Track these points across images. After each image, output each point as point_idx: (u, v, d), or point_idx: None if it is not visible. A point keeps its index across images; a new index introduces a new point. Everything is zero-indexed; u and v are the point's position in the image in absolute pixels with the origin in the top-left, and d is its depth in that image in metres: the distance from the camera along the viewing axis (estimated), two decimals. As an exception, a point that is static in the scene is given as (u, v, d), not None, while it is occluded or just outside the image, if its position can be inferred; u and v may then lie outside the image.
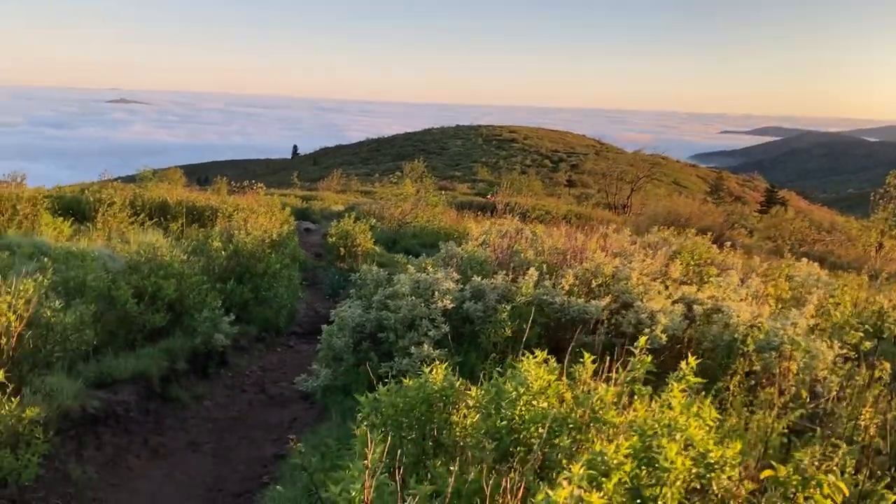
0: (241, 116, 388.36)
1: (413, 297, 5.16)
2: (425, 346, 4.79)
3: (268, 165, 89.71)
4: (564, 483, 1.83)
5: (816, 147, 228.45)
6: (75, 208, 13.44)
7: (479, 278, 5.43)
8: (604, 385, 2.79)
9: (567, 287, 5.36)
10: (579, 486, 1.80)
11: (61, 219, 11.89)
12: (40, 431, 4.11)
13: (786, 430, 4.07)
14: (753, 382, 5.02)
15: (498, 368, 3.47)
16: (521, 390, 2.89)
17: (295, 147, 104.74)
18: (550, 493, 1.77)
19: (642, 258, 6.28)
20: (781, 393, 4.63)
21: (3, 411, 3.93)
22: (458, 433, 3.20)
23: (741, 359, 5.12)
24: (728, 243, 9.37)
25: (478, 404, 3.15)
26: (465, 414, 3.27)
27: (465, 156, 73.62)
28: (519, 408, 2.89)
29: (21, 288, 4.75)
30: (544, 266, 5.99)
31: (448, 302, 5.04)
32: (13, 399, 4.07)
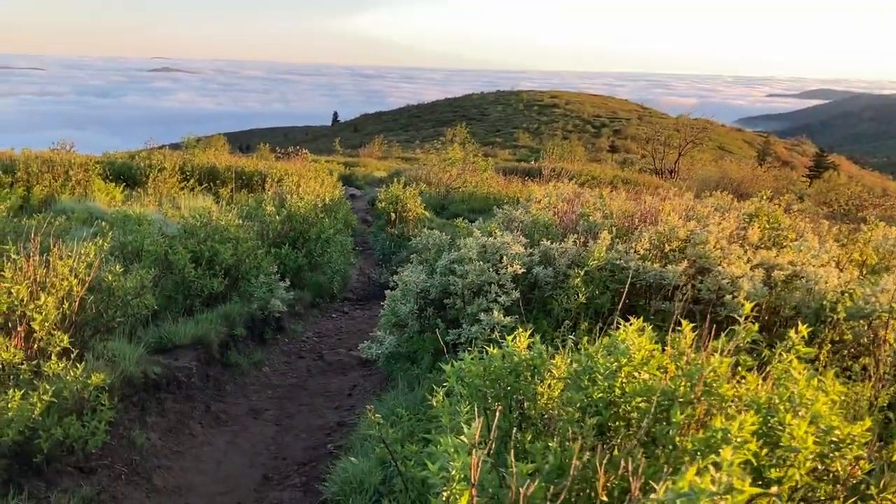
0: (282, 84, 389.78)
1: (481, 262, 4.94)
2: (495, 313, 4.57)
3: (307, 132, 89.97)
4: (712, 469, 1.60)
5: (866, 110, 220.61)
6: (126, 174, 13.50)
7: (549, 242, 5.17)
8: (717, 355, 2.53)
9: (641, 251, 5.08)
10: (728, 474, 1.58)
11: (113, 184, 11.93)
12: (106, 398, 4.02)
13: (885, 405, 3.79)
14: (845, 353, 4.73)
15: (585, 337, 3.24)
16: (624, 360, 2.65)
17: (335, 114, 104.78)
18: (697, 479, 1.55)
19: (718, 221, 5.94)
20: (878, 364, 4.33)
21: (69, 377, 3.84)
22: (544, 406, 2.99)
23: (830, 328, 4.81)
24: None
25: (568, 375, 2.93)
26: (550, 385, 3.06)
27: (506, 122, 72.82)
28: (619, 380, 2.66)
29: (81, 252, 4.65)
30: (614, 230, 5.72)
31: (518, 267, 4.80)
32: (78, 365, 3.97)
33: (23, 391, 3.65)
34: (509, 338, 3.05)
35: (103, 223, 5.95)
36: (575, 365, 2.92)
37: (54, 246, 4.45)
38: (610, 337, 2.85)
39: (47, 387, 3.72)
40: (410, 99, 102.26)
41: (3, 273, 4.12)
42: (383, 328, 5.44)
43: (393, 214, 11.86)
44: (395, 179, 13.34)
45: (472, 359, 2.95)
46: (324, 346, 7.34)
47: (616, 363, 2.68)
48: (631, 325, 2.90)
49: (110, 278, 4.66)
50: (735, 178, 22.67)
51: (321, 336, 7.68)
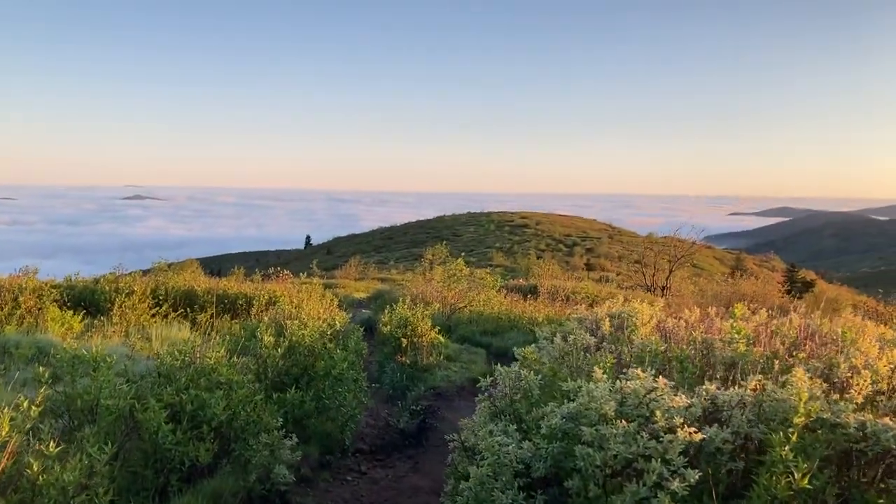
0: (255, 209, 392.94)
1: (623, 422, 3.19)
2: (666, 508, 2.80)
3: (279, 256, 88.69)
4: None
5: (827, 227, 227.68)
6: (88, 300, 11.63)
7: (712, 386, 3.46)
8: None
9: (860, 398, 3.39)
10: None
11: (71, 312, 10.05)
12: None
13: None
14: None
15: None
16: None
17: (308, 237, 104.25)
18: None
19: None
20: None
21: None
22: None
23: None
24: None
25: None
26: None
27: (479, 241, 72.64)
28: None
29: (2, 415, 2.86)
30: (769, 362, 4.05)
31: (692, 431, 3.05)
32: None
33: None
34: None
35: (42, 368, 4.12)
36: None
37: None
38: None
39: None
40: (383, 221, 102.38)
41: None
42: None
43: (404, 340, 10.08)
44: (399, 299, 11.62)
45: None
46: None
47: None
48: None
49: (35, 469, 2.82)
50: (748, 293, 21.42)
51: (339, 512, 5.70)
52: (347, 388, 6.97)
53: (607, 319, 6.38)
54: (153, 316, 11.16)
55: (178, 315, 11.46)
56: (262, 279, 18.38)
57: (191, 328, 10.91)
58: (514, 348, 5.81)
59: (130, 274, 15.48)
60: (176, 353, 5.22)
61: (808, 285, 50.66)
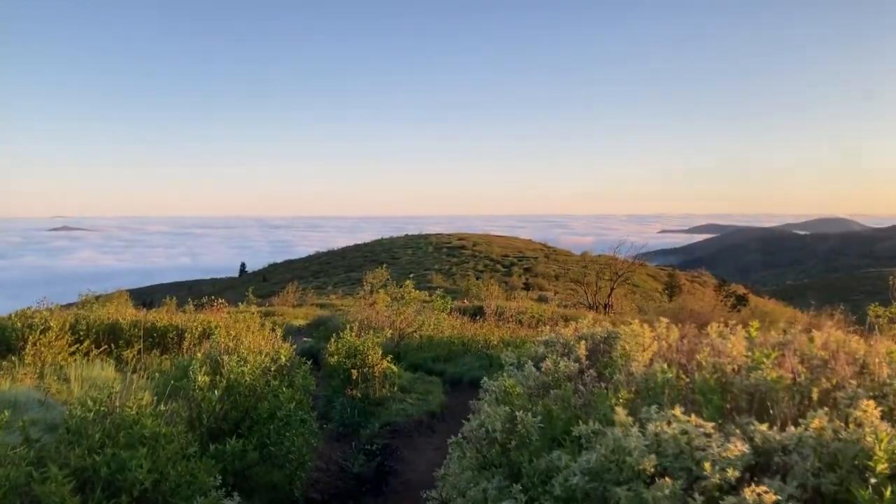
0: (189, 237, 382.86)
1: (666, 480, 2.51)
2: None
3: (214, 285, 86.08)
4: None
5: (752, 242, 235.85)
6: (-2, 338, 10.38)
7: (762, 426, 2.80)
8: None
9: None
10: None
11: (-26, 353, 8.86)
12: None
13: None
14: None
15: None
16: None
17: (243, 265, 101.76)
18: None
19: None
20: None
21: None
22: None
23: None
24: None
25: None
26: None
27: (418, 264, 72.15)
28: None
29: None
30: (805, 391, 3.45)
31: (762, 491, 2.38)
32: None
33: None
34: None
35: None
36: None
37: None
38: None
39: None
40: (319, 246, 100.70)
41: None
42: None
43: (354, 372, 9.23)
44: (346, 326, 10.74)
45: None
46: None
47: None
48: None
49: None
50: (697, 311, 21.25)
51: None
52: (296, 430, 6.11)
53: (582, 343, 5.75)
54: (73, 354, 10.01)
55: (100, 352, 10.32)
56: (196, 309, 17.20)
57: (116, 366, 9.82)
58: (484, 380, 5.12)
59: (48, 308, 14.16)
60: (89, 401, 4.30)
61: (741, 299, 51.60)
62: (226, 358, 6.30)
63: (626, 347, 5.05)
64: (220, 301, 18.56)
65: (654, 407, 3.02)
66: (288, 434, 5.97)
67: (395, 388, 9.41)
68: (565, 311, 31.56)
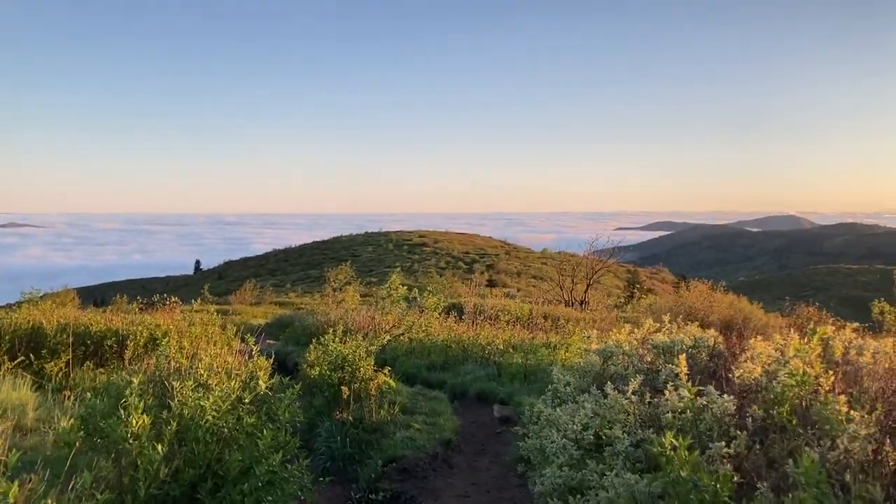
0: (142, 234, 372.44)
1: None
2: None
3: (168, 283, 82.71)
4: None
5: (705, 239, 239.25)
6: None
7: None
8: None
9: None
10: None
11: None
12: None
13: None
14: None
15: None
16: None
17: (197, 262, 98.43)
18: None
19: None
20: None
21: None
22: None
23: None
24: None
25: None
26: None
27: (378, 261, 70.49)
28: None
29: None
30: None
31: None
32: None
33: None
34: None
35: None
36: None
37: None
38: None
39: None
40: (276, 244, 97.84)
41: None
42: None
43: (345, 389, 7.22)
44: (333, 330, 8.67)
45: None
46: None
47: None
48: None
49: None
50: (694, 306, 19.74)
51: None
52: (281, 491, 4.13)
53: (682, 357, 3.94)
54: (-23, 368, 7.81)
55: (17, 364, 8.12)
56: (144, 308, 14.97)
57: (34, 384, 7.69)
58: (530, 404, 3.26)
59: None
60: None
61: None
62: (176, 384, 4.26)
63: (791, 377, 3.26)
64: (174, 300, 16.24)
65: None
66: (271, 498, 3.99)
67: (397, 409, 7.45)
68: (543, 309, 29.93)
